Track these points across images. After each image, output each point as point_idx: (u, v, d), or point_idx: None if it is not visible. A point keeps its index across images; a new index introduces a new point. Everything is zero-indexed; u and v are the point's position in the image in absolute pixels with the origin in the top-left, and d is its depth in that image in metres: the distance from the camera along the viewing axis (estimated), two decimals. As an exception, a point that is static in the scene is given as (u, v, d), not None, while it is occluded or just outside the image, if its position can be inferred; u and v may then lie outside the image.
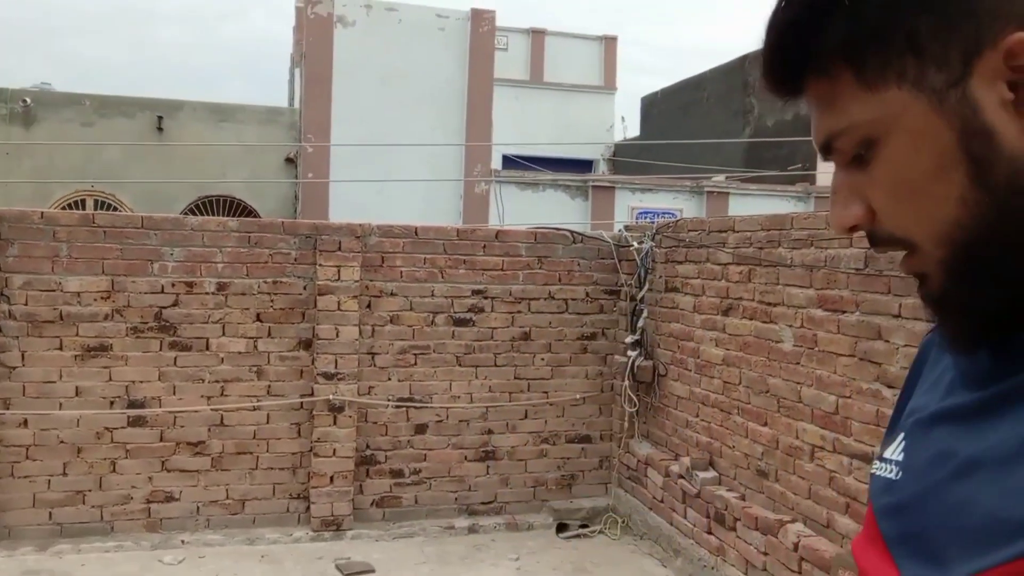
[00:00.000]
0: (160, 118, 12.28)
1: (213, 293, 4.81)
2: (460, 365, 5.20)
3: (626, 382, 5.20)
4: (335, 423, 4.90)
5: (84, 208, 11.26)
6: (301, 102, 10.80)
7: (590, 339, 5.45)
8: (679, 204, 11.49)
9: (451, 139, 9.97)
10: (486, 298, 5.26)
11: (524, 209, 9.41)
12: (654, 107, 18.03)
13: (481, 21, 10.22)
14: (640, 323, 5.21)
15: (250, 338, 4.86)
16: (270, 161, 12.46)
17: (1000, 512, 0.52)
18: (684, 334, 4.80)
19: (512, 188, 10.05)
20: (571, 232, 5.59)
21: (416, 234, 5.17)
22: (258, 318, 4.88)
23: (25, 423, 4.53)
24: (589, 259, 5.45)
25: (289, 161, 12.74)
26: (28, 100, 12.08)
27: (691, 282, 4.74)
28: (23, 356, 4.54)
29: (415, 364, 5.13)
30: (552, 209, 9.78)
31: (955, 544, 0.55)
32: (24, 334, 4.54)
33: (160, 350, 4.72)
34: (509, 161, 12.42)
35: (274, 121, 13.23)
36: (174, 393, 4.74)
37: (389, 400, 5.07)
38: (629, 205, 11.11)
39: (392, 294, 5.10)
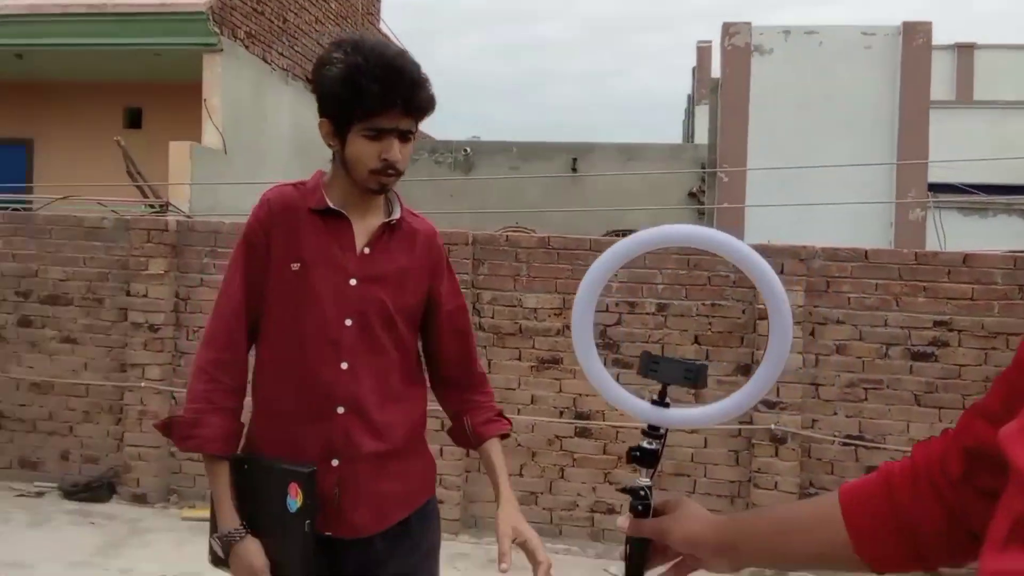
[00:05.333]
0: (575, 159, 13.29)
1: (653, 314, 4.90)
2: (919, 405, 4.62)
3: None
4: (776, 455, 4.65)
5: (509, 242, 12.53)
6: (711, 135, 10.84)
7: (1091, 386, 4.49)
8: None
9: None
10: (951, 331, 4.62)
11: (968, 238, 8.26)
12: None
13: (915, 35, 9.29)
14: None
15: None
16: (672, 196, 12.73)
17: None
18: None
19: (953, 214, 8.91)
20: (1061, 257, 4.70)
21: (866, 257, 4.75)
22: (696, 340, 4.85)
23: (488, 424, 5.01)
24: (1090, 289, 4.53)
25: (692, 195, 12.89)
26: (468, 149, 13.92)
27: None
28: (489, 364, 5.03)
29: (865, 399, 4.68)
30: (1004, 237, 8.45)
31: None
32: (491, 344, 5.04)
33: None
34: (939, 188, 11.11)
35: (677, 157, 13.56)
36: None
37: (836, 436, 4.68)
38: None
39: (839, 321, 4.73)
